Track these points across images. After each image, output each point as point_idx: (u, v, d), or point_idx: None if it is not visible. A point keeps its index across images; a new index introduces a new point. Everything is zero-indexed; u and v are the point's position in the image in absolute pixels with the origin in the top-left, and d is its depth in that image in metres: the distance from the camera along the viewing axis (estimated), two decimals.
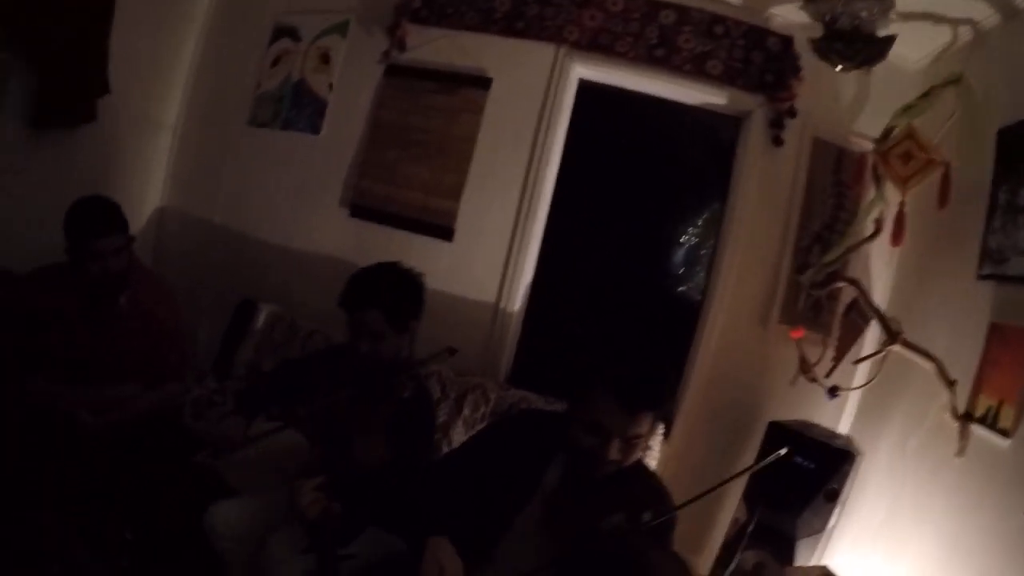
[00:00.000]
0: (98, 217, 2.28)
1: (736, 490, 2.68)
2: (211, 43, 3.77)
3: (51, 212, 2.31)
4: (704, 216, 3.26)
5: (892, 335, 2.32)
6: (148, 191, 3.76)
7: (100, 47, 3.17)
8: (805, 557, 2.45)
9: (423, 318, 2.11)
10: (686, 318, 3.11)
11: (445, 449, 2.70)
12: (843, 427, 2.79)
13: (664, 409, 1.61)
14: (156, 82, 3.69)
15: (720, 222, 3.09)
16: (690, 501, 1.54)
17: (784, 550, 2.44)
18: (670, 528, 1.67)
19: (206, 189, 3.71)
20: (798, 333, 2.72)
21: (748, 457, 2.76)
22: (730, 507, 2.77)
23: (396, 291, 2.03)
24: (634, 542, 1.51)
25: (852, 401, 2.79)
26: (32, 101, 3.01)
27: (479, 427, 2.67)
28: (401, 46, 3.24)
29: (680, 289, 3.30)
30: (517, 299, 3.08)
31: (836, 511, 2.47)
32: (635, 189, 3.23)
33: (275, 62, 3.57)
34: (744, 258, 2.95)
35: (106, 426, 2.29)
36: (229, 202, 3.65)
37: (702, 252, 3.23)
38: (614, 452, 1.54)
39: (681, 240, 3.28)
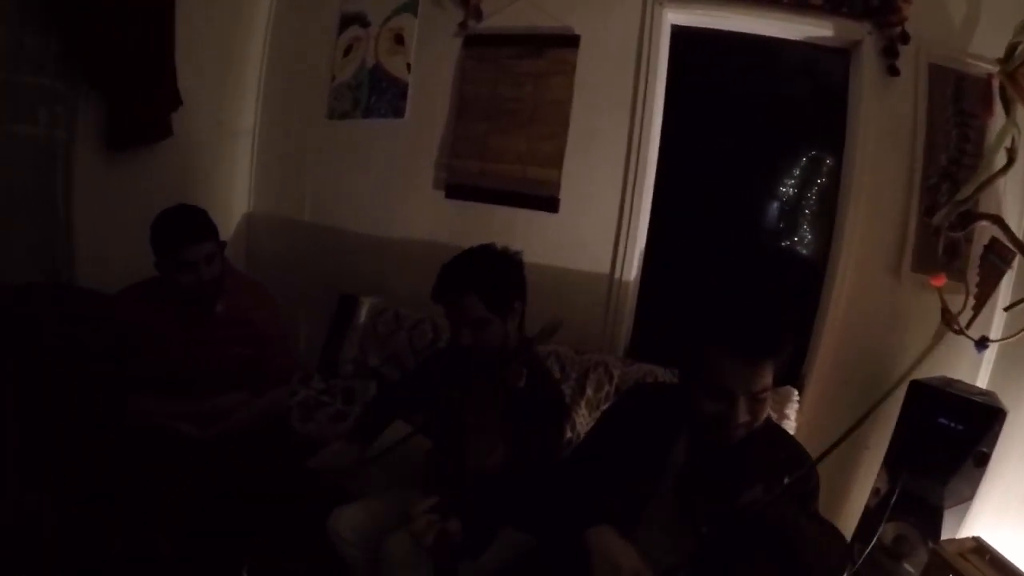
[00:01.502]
0: (185, 225, 2.23)
1: (875, 457, 2.49)
2: (278, 41, 3.73)
3: (138, 232, 2.27)
4: (816, 165, 3.04)
5: None
6: (233, 199, 3.75)
7: (167, 61, 3.15)
8: (952, 528, 2.25)
9: (528, 299, 1.98)
10: (805, 273, 2.92)
11: (570, 434, 2.58)
12: (982, 382, 2.56)
13: (785, 356, 1.45)
14: (228, 89, 3.66)
15: (837, 166, 2.88)
16: (827, 452, 1.45)
17: (929, 521, 2.24)
18: (815, 493, 1.56)
19: (292, 189, 3.67)
20: (939, 280, 2.50)
21: (888, 417, 2.55)
22: (867, 477, 2.57)
23: (491, 272, 1.89)
24: (780, 515, 1.39)
25: (990, 356, 2.55)
26: (106, 124, 3.00)
27: (603, 408, 2.53)
28: (477, 15, 3.12)
29: (792, 247, 3.09)
30: (632, 267, 2.92)
31: (984, 478, 2.26)
32: (743, 138, 3.02)
33: (347, 51, 3.49)
34: (868, 203, 2.73)
35: (213, 437, 2.24)
36: (317, 199, 3.60)
37: (814, 205, 3.01)
38: (742, 413, 1.43)
39: (792, 192, 3.07)
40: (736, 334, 1.43)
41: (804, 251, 3.01)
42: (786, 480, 1.37)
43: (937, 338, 2.40)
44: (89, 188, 3.00)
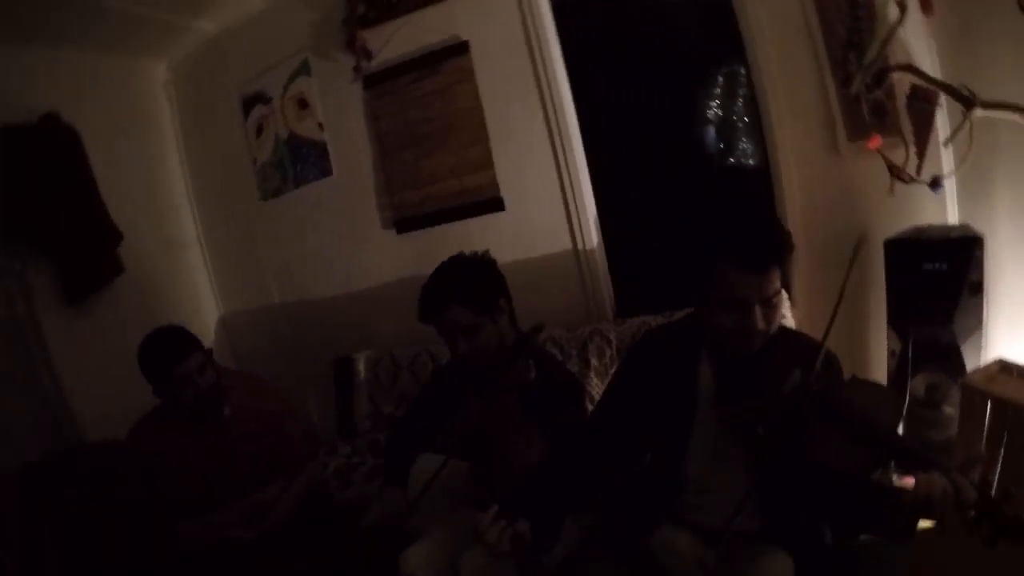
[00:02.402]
0: (169, 345, 2.25)
1: (876, 315, 2.59)
2: (192, 145, 3.80)
3: (121, 369, 2.33)
4: (728, 81, 3.10)
5: (967, 100, 2.18)
6: (202, 309, 3.78)
7: (96, 201, 3.20)
8: (973, 360, 2.32)
9: (509, 293, 2.02)
10: (754, 185, 2.97)
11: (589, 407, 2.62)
12: (952, 220, 2.62)
13: (787, 258, 1.49)
14: (161, 207, 3.71)
15: (747, 76, 2.93)
16: (829, 327, 1.48)
17: (950, 360, 2.32)
18: (839, 372, 1.60)
19: (253, 278, 3.72)
20: (875, 142, 2.57)
21: (877, 283, 2.61)
22: (880, 346, 2.62)
23: (467, 279, 1.93)
24: (826, 389, 1.43)
25: (951, 192, 2.59)
26: (60, 282, 3.05)
27: (612, 371, 2.56)
28: (367, 55, 3.17)
29: (732, 162, 3.15)
30: (592, 235, 2.98)
31: (984, 303, 2.33)
32: (652, 79, 3.08)
33: (259, 132, 3.55)
34: (787, 98, 2.79)
35: (263, 533, 2.27)
36: (280, 279, 3.66)
37: (739, 117, 3.08)
38: (759, 320, 1.47)
39: (714, 113, 3.14)
40: (742, 246, 1.47)
41: (745, 161, 3.08)
42: (821, 356, 1.42)
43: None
44: (64, 349, 3.04)
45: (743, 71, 2.97)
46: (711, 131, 3.12)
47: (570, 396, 2.01)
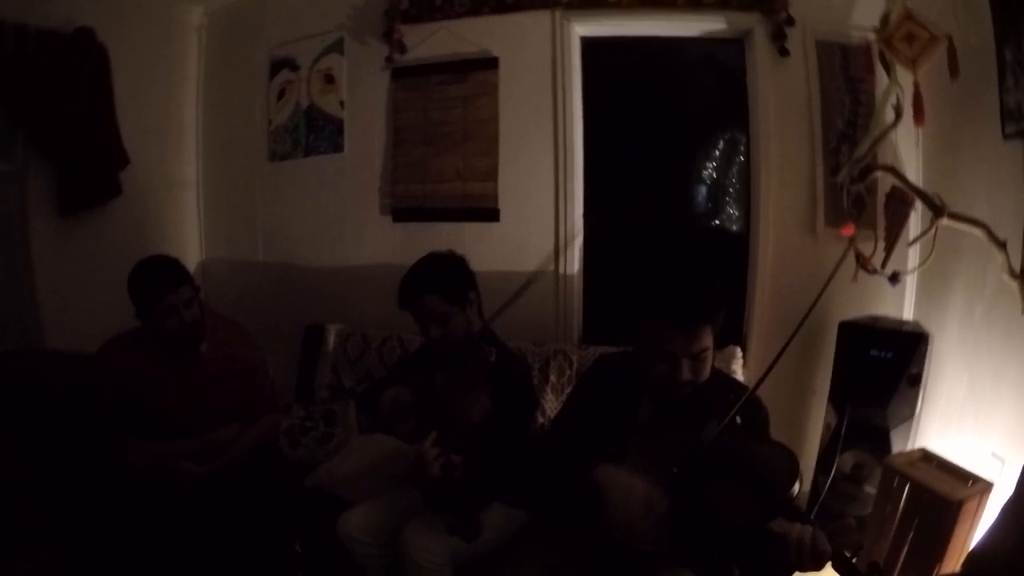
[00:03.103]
0: (162, 274, 2.33)
1: (822, 399, 2.76)
2: (212, 92, 3.85)
3: (99, 291, 2.43)
4: (728, 146, 3.29)
5: (937, 209, 2.34)
6: (187, 250, 3.81)
7: (109, 121, 3.26)
8: (900, 446, 2.51)
9: (479, 289, 2.25)
10: (731, 248, 3.17)
11: (541, 420, 2.76)
12: (907, 315, 2.83)
13: (718, 317, 1.63)
14: (169, 145, 3.78)
15: (747, 144, 3.13)
16: (762, 378, 1.61)
17: (879, 443, 2.50)
18: (766, 424, 1.75)
19: (243, 232, 3.78)
20: (848, 230, 2.73)
21: (826, 360, 2.80)
22: (818, 419, 2.83)
23: (441, 271, 2.19)
24: (734, 442, 1.55)
25: (911, 289, 2.82)
26: (57, 191, 3.10)
27: (568, 391, 2.72)
28: (401, 48, 3.30)
29: (717, 223, 3.34)
30: (575, 262, 3.15)
31: (920, 396, 2.52)
32: (658, 131, 3.27)
33: (280, 95, 3.64)
34: (778, 173, 2.99)
35: (212, 473, 2.34)
36: (269, 239, 3.72)
37: (730, 182, 3.27)
38: (686, 373, 1.61)
39: (709, 174, 3.32)
40: (668, 305, 1.62)
41: (728, 224, 3.27)
42: (736, 409, 1.55)
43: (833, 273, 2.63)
44: (47, 256, 3.10)
45: (740, 139, 3.17)
46: (702, 191, 3.30)
47: (521, 382, 2.25)
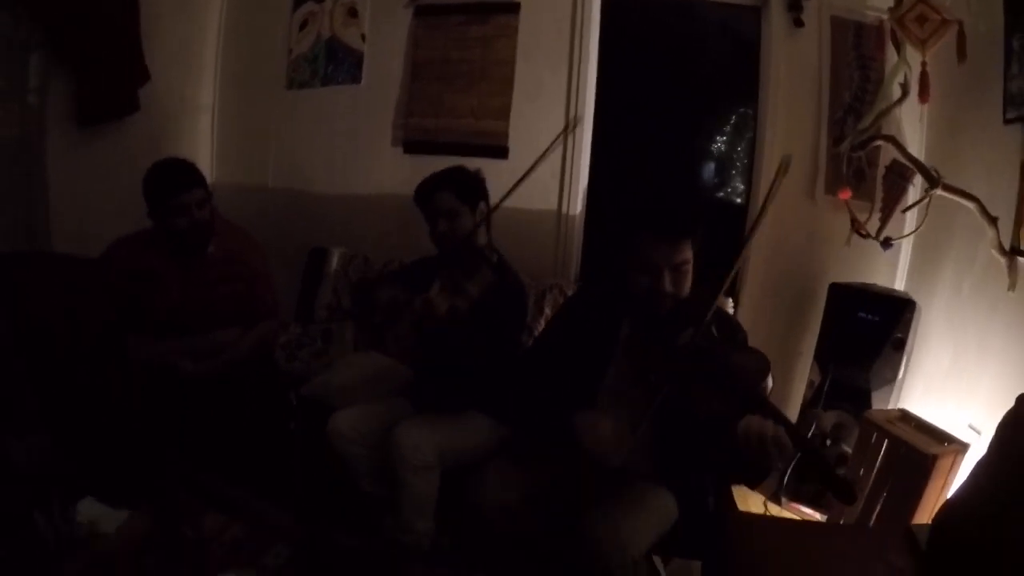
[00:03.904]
0: (178, 173, 2.38)
1: (807, 353, 2.85)
2: (234, 19, 3.88)
3: (107, 204, 2.51)
4: (736, 116, 3.37)
5: (933, 181, 2.43)
6: None
7: (133, 37, 3.29)
8: (881, 407, 2.58)
9: (490, 203, 2.33)
10: (733, 217, 3.27)
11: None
12: (899, 285, 2.93)
13: (697, 232, 1.72)
14: (188, 65, 3.79)
15: (755, 111, 3.21)
16: (729, 275, 1.70)
17: (860, 403, 2.58)
18: (744, 342, 1.83)
19: (255, 157, 3.83)
20: (845, 194, 2.83)
21: (814, 319, 2.89)
22: (803, 371, 2.93)
23: (459, 174, 2.30)
24: (708, 346, 1.64)
25: (904, 260, 2.93)
26: (74, 100, 3.13)
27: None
28: None
29: (720, 194, 3.43)
30: (577, 203, 3.23)
31: (904, 361, 2.60)
32: (669, 88, 3.35)
33: (302, 26, 3.69)
34: (783, 139, 3.07)
35: (209, 372, 2.40)
36: (281, 165, 3.77)
37: (738, 153, 3.35)
38: (667, 284, 1.70)
39: (717, 136, 3.39)
40: (656, 215, 1.72)
41: (735, 197, 3.37)
42: (710, 315, 1.64)
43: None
44: (62, 168, 3.13)
45: (748, 109, 3.25)
46: (704, 147, 3.40)
47: (517, 301, 2.32)
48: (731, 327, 1.82)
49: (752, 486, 1.75)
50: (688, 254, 1.71)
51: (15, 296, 2.32)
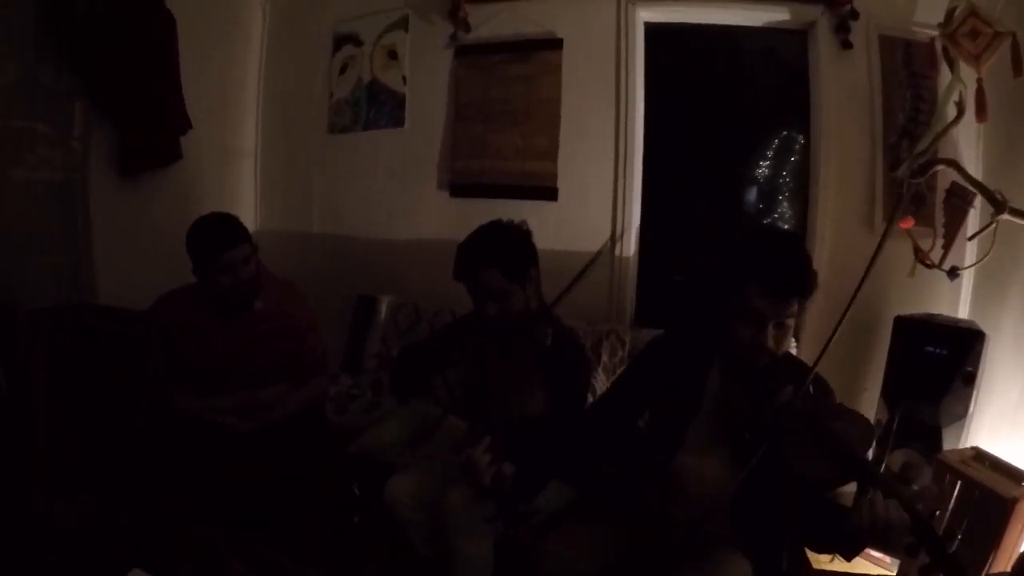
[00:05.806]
0: (223, 230, 2.33)
1: (872, 389, 2.76)
2: (274, 64, 3.92)
3: (153, 253, 2.45)
4: (787, 139, 3.29)
5: (998, 204, 2.35)
6: (240, 218, 3.84)
7: (174, 85, 3.31)
8: (952, 446, 2.48)
9: (539, 265, 2.11)
10: None
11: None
12: (963, 314, 2.83)
13: (811, 291, 1.63)
14: (229, 112, 3.84)
15: (806, 136, 3.13)
16: (824, 348, 1.61)
17: (931, 441, 2.49)
18: (830, 394, 1.75)
19: (298, 203, 3.84)
20: (907, 223, 2.74)
21: (877, 353, 2.81)
22: (867, 408, 2.80)
23: (504, 244, 2.00)
24: (813, 410, 1.55)
25: (967, 288, 2.83)
26: (117, 149, 3.15)
27: (619, 371, 2.72)
28: (466, 27, 3.35)
29: (775, 214, 3.34)
30: (631, 244, 3.17)
31: (974, 396, 2.49)
32: (719, 119, 3.28)
33: (343, 70, 3.70)
34: (837, 166, 2.99)
35: (258, 429, 2.35)
36: (325, 210, 3.77)
37: (788, 175, 3.26)
38: (769, 339, 1.60)
39: (768, 165, 3.32)
40: (774, 270, 1.60)
41: (782, 222, 3.27)
42: (811, 377, 1.57)
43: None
44: (105, 216, 3.15)
45: (800, 138, 3.17)
46: (757, 177, 3.31)
47: (579, 366, 2.10)
48: (823, 387, 1.75)
49: (848, 559, 1.68)
50: (795, 309, 1.62)
51: (62, 349, 2.35)
